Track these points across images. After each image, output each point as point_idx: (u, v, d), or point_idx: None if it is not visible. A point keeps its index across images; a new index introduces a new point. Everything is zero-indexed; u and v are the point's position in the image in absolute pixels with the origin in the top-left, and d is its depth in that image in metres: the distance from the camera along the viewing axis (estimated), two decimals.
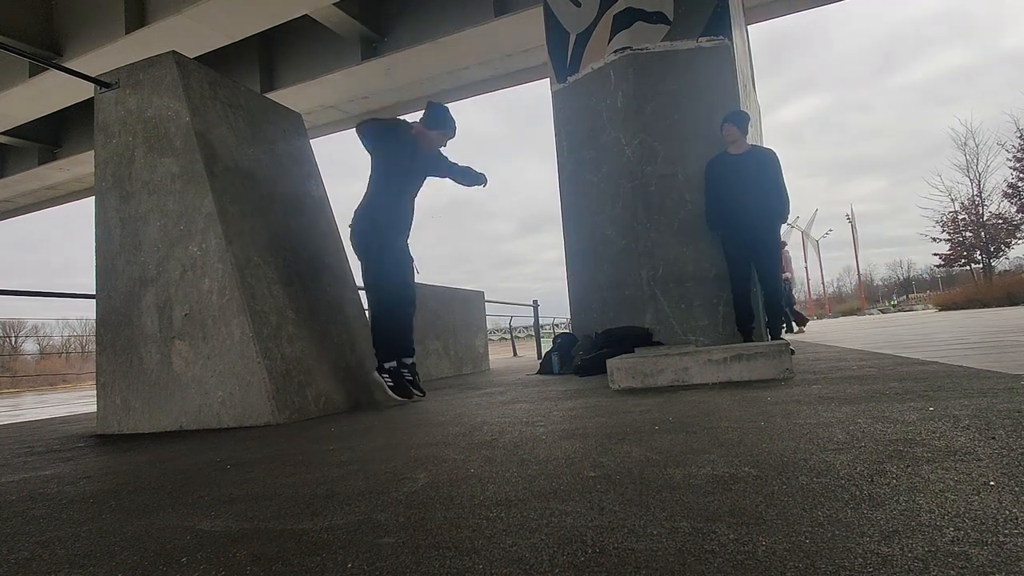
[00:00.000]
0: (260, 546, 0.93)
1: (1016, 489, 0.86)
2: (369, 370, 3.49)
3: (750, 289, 4.36)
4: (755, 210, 4.23)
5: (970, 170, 34.35)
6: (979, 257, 34.55)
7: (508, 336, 14.63)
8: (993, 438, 1.17)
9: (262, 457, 1.81)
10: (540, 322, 12.94)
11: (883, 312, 40.89)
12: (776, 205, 4.26)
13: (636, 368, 2.89)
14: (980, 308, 18.79)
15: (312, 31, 10.31)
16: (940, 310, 22.27)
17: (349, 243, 3.46)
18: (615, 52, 4.98)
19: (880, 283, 74.34)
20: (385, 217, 3.40)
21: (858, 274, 57.12)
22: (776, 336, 4.39)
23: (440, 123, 3.48)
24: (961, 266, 37.88)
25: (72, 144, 13.52)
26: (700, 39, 4.86)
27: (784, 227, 5.09)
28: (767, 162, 4.31)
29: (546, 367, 5.00)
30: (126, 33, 8.99)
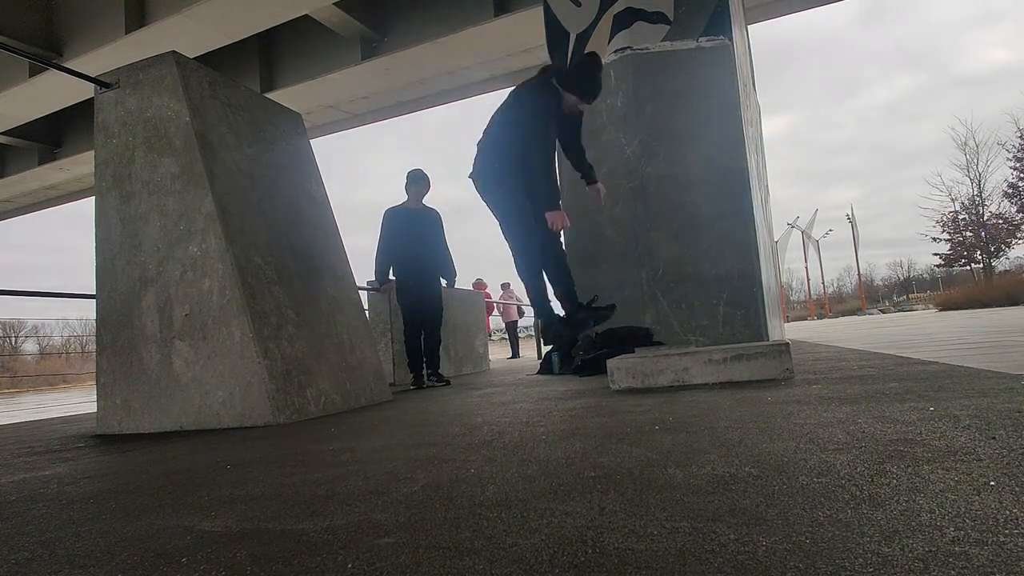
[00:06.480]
0: (260, 546, 0.93)
1: (1016, 489, 0.86)
2: (372, 368, 3.52)
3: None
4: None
5: (970, 170, 34.35)
6: (979, 257, 34.55)
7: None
8: (993, 438, 1.17)
9: (262, 457, 1.81)
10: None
11: (883, 312, 40.88)
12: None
13: (636, 368, 2.89)
14: (980, 308, 18.78)
15: (312, 31, 10.30)
16: (940, 310, 22.26)
17: None
18: (615, 52, 4.97)
19: (880, 283, 74.26)
20: None
21: (858, 274, 57.12)
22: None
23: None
24: (961, 266, 37.87)
25: (72, 144, 13.51)
26: (700, 39, 4.85)
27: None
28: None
29: (546, 367, 5.00)
30: (126, 33, 8.99)
